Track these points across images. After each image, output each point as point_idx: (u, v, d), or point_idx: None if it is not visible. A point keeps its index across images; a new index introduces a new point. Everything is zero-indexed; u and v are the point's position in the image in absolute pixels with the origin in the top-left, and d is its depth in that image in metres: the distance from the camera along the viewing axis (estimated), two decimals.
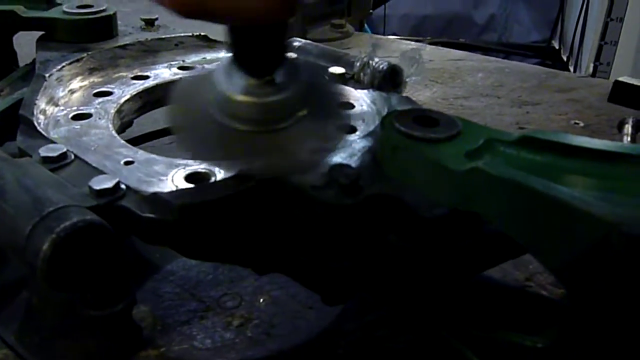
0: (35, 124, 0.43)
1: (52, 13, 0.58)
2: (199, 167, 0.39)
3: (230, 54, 0.32)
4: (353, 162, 0.36)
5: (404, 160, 0.33)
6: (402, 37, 3.12)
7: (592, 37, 2.37)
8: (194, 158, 0.37)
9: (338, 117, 0.36)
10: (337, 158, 0.36)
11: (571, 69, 2.64)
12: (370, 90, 0.52)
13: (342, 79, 0.55)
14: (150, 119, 0.60)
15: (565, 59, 2.82)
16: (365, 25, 2.23)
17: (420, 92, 0.85)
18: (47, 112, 0.47)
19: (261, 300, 0.43)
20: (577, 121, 0.75)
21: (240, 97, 0.32)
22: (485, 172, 0.30)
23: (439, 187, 0.32)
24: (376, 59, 0.54)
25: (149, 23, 0.63)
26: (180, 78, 0.53)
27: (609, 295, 0.27)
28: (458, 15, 3.44)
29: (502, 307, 0.37)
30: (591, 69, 2.31)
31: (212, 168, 0.38)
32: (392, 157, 0.34)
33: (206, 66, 0.57)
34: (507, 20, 3.34)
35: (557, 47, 3.02)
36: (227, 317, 0.41)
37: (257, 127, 0.33)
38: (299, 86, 0.33)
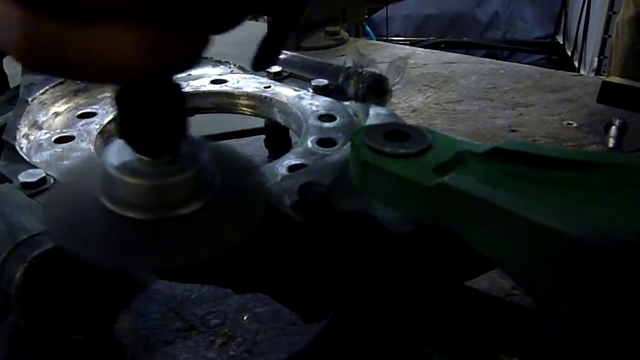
0: (18, 148, 0.44)
1: None
2: None
3: (118, 127, 0.25)
4: (325, 178, 0.36)
5: (373, 176, 0.33)
6: (404, 39, 3.12)
7: (595, 31, 2.35)
8: (76, 257, 0.27)
9: (251, 197, 0.30)
10: (310, 174, 0.36)
11: (576, 63, 2.62)
12: (353, 101, 0.52)
13: (325, 90, 0.55)
14: None
15: (569, 53, 2.81)
16: (367, 28, 2.23)
17: (414, 98, 0.84)
18: (31, 136, 0.47)
19: (245, 317, 0.43)
20: (570, 121, 0.74)
21: (131, 179, 0.26)
22: (452, 187, 0.30)
23: (408, 203, 0.32)
24: (359, 69, 0.53)
25: None
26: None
27: (578, 311, 0.26)
28: (461, 14, 3.43)
29: (484, 320, 0.37)
30: (596, 63, 2.29)
31: None
32: (362, 173, 0.34)
33: (191, 83, 0.57)
34: (510, 17, 3.32)
35: (561, 43, 3.00)
36: (210, 335, 0.41)
37: (152, 215, 0.27)
38: (202, 165, 0.27)
